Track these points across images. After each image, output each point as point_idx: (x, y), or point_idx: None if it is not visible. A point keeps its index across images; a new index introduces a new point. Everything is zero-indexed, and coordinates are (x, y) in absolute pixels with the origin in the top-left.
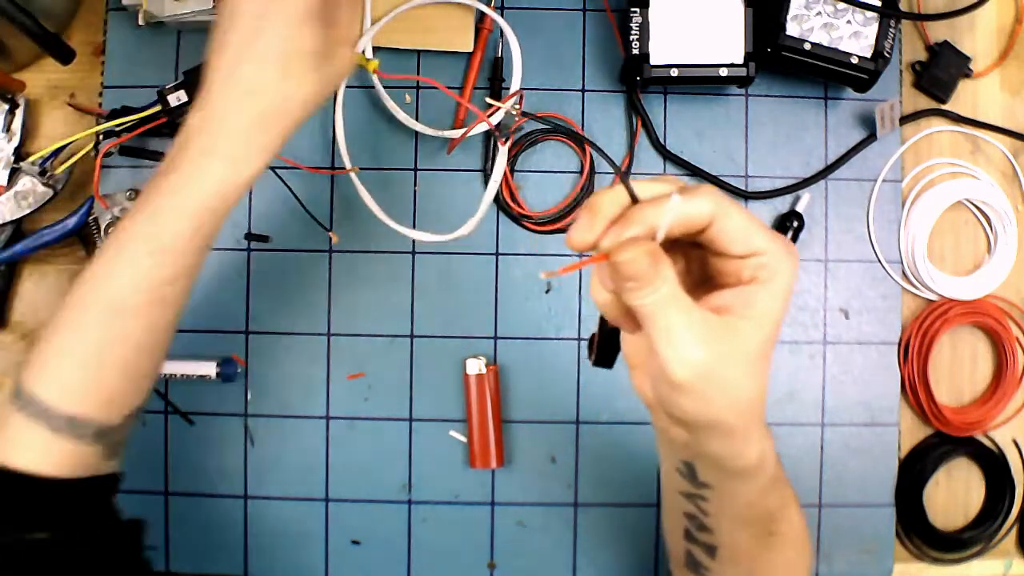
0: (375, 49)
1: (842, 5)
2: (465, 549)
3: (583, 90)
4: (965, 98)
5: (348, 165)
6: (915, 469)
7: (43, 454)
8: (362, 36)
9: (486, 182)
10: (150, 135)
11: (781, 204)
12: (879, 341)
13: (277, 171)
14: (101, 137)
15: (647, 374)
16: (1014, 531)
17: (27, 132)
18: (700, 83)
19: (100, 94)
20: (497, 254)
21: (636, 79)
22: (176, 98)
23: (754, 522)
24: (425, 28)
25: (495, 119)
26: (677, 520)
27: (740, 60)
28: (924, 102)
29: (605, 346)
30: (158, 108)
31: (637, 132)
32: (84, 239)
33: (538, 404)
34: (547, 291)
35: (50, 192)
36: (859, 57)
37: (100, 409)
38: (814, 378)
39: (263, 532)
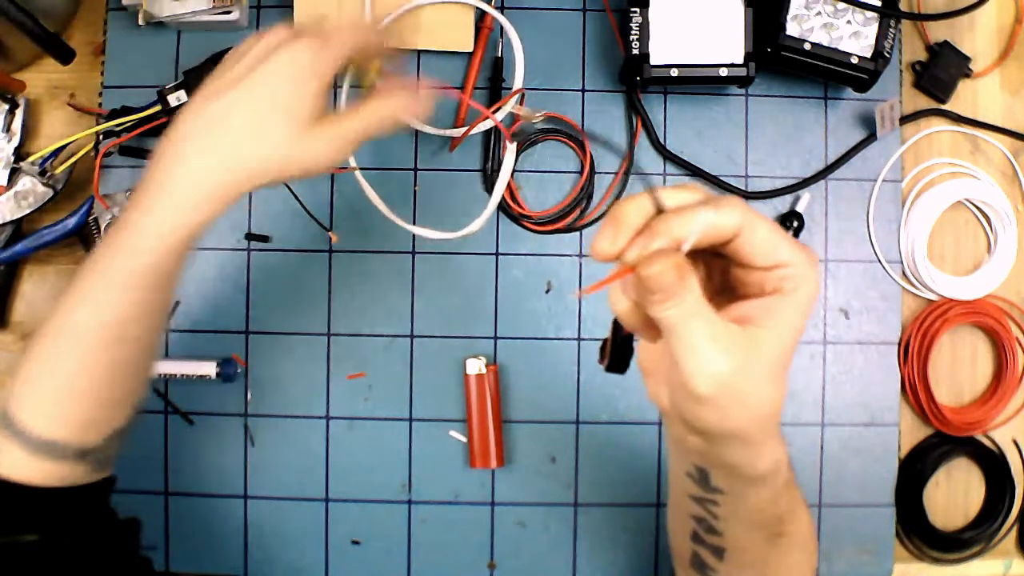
0: None
1: (842, 5)
2: (465, 549)
3: (583, 90)
4: (965, 98)
5: (351, 163)
6: (915, 469)
7: (27, 470)
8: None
9: (486, 182)
10: (150, 135)
11: (781, 204)
12: (879, 341)
13: None
14: (101, 137)
15: (663, 382)
16: (1014, 531)
17: (27, 132)
18: (700, 83)
19: (100, 94)
20: (497, 254)
21: (636, 79)
22: (176, 98)
23: (764, 525)
24: (425, 28)
25: (500, 115)
26: (684, 522)
27: (740, 60)
28: (924, 102)
29: (619, 352)
30: (158, 108)
31: (637, 132)
32: (84, 239)
33: (538, 404)
34: (547, 291)
35: (50, 192)
36: (859, 57)
37: (77, 433)
38: (814, 378)
39: (263, 532)
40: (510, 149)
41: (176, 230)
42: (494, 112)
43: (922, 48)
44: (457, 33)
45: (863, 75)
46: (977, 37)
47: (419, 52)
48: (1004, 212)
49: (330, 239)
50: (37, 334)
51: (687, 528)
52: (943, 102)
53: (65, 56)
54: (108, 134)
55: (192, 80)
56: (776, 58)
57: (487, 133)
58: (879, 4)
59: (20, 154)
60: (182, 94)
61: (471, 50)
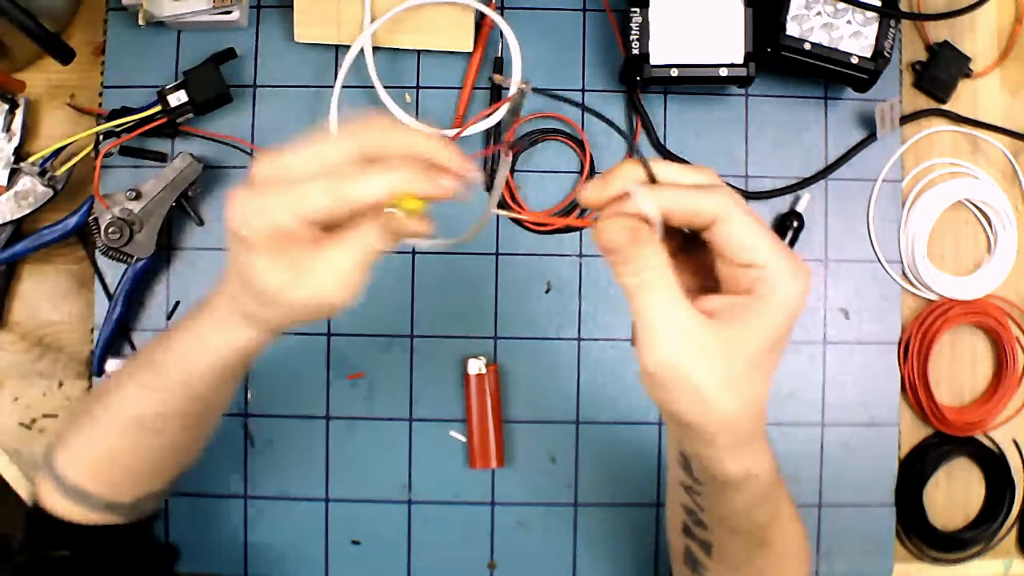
0: (375, 49)
1: (842, 5)
2: (465, 549)
3: (583, 90)
4: (965, 98)
5: None
6: (915, 469)
7: (61, 509)
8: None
9: (487, 182)
10: (150, 135)
11: (781, 204)
12: (879, 341)
13: None
14: (101, 137)
15: None
16: (1014, 531)
17: (27, 132)
18: (700, 83)
19: (100, 94)
20: (497, 254)
21: (636, 79)
22: (176, 98)
23: (744, 531)
24: (425, 28)
25: (498, 116)
26: (677, 513)
27: (740, 60)
28: (924, 102)
29: None
30: (158, 108)
31: (637, 132)
32: (84, 239)
33: (538, 404)
34: (547, 291)
35: (50, 192)
36: (859, 57)
37: (108, 491)
38: (814, 378)
39: (263, 532)
40: (504, 162)
41: (216, 353)
42: (491, 114)
43: (922, 48)
44: (457, 33)
45: (863, 75)
46: (977, 37)
47: (419, 52)
48: (1004, 212)
49: None
50: (100, 385)
51: (679, 520)
52: (943, 102)
53: (65, 56)
54: (108, 134)
55: (192, 80)
56: (776, 58)
57: (487, 133)
58: (879, 4)
59: (20, 154)
60: (182, 94)
61: (471, 50)
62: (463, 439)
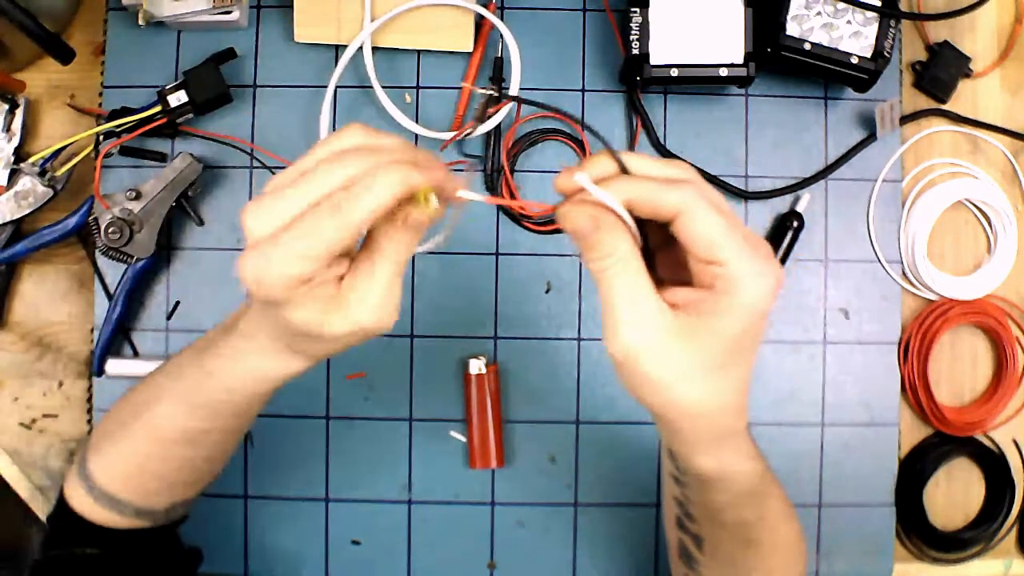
0: (375, 49)
1: (842, 5)
2: (465, 549)
3: (583, 90)
4: (965, 98)
5: None
6: (915, 469)
7: (91, 513)
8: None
9: (487, 182)
10: (150, 135)
11: (781, 204)
12: (879, 341)
13: (275, 171)
14: (101, 137)
15: None
16: (1014, 531)
17: (27, 132)
18: (700, 83)
19: (100, 94)
20: (497, 254)
21: (636, 79)
22: (176, 98)
23: (728, 527)
24: (425, 28)
25: (496, 120)
26: (671, 505)
27: (740, 60)
28: (924, 102)
29: None
30: (158, 108)
31: (637, 132)
32: (84, 239)
33: (538, 404)
34: (547, 291)
35: (50, 192)
36: (859, 57)
37: (139, 498)
38: (814, 378)
39: (263, 532)
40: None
41: (260, 382)
42: (490, 117)
43: (922, 48)
44: (457, 33)
45: (863, 75)
46: (977, 37)
47: (419, 52)
48: (1004, 212)
49: None
50: (131, 392)
51: (673, 513)
52: (943, 102)
53: (65, 56)
54: (108, 134)
55: (192, 80)
56: (776, 58)
57: (487, 134)
58: (879, 4)
59: (20, 154)
60: (182, 94)
61: (471, 50)
62: (463, 439)
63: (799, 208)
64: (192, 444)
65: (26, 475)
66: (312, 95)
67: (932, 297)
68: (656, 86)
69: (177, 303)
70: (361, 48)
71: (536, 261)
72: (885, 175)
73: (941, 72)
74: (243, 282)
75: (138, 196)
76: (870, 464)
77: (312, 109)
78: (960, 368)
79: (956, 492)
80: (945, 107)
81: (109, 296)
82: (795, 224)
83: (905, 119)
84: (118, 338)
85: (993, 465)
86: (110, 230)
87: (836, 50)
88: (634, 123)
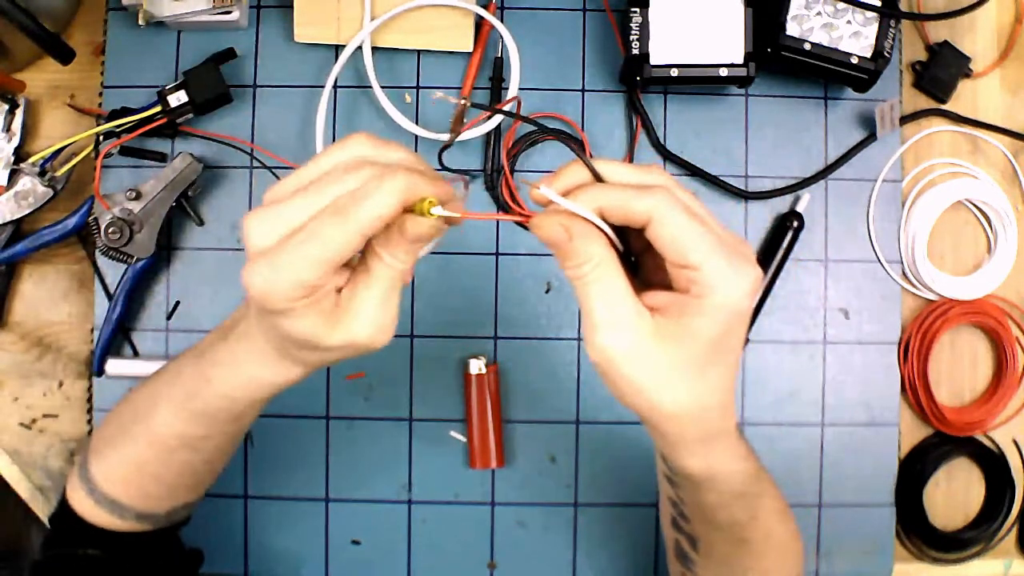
0: (375, 49)
1: (842, 5)
2: (465, 549)
3: (583, 90)
4: (965, 98)
5: None
6: (915, 469)
7: (92, 515)
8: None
9: (487, 182)
10: (150, 135)
11: (781, 204)
12: (879, 341)
13: (275, 171)
14: (101, 137)
15: None
16: (1014, 531)
17: (27, 132)
18: (700, 83)
19: (100, 94)
20: (497, 254)
21: (636, 79)
22: (176, 98)
23: (723, 526)
24: (425, 28)
25: (495, 121)
26: (666, 505)
27: (740, 60)
28: (924, 102)
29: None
30: (158, 108)
31: (637, 132)
32: (84, 239)
33: (538, 404)
34: (547, 291)
35: (50, 192)
36: (859, 57)
37: (139, 502)
38: (814, 378)
39: (263, 532)
40: (463, 192)
41: (258, 389)
42: (489, 117)
43: (922, 48)
44: (457, 33)
45: (863, 75)
46: (977, 37)
47: (419, 52)
48: (1004, 212)
49: None
50: (131, 395)
51: (668, 513)
52: (943, 102)
53: (65, 56)
54: (108, 135)
55: (192, 80)
56: (776, 58)
57: (487, 135)
58: (879, 4)
59: (20, 154)
60: (182, 94)
61: (470, 50)
62: (463, 439)
63: (799, 208)
64: (191, 449)
65: (26, 475)
66: (312, 95)
67: (932, 297)
68: (656, 86)
69: (177, 303)
70: (361, 48)
71: (536, 261)
72: (885, 175)
73: (941, 72)
74: (249, 293)
75: (138, 196)
76: (870, 464)
77: (312, 109)
78: (960, 368)
79: (956, 492)
80: (945, 107)
81: (109, 296)
82: (795, 224)
83: (905, 119)
84: (118, 338)
85: (993, 465)
86: (110, 230)
87: (836, 50)
88: (634, 123)
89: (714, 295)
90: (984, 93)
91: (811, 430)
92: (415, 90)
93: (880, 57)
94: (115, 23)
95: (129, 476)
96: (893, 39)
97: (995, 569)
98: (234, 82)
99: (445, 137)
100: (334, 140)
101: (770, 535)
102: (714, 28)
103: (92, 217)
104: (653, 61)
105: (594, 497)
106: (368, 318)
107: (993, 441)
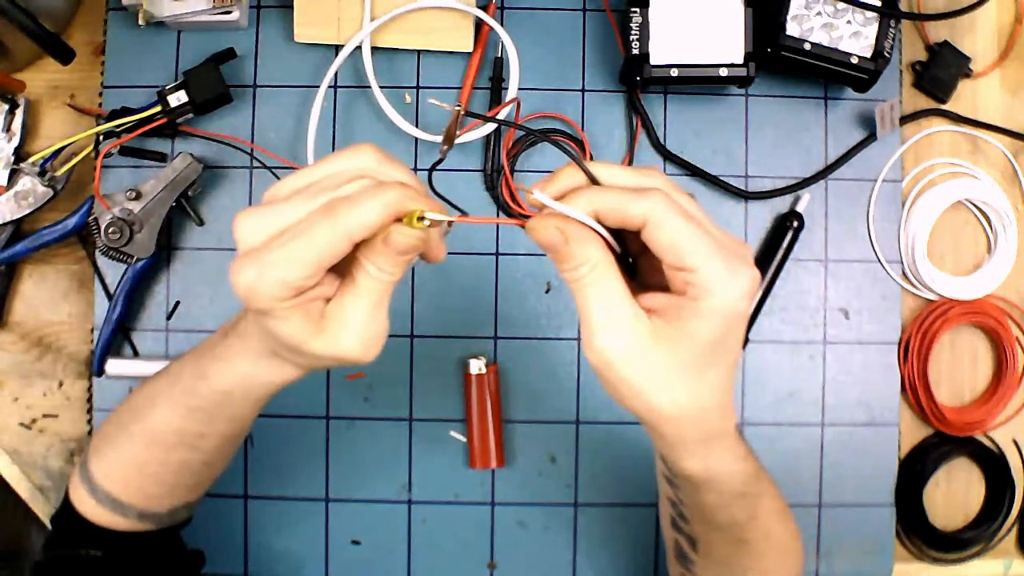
0: (375, 49)
1: (842, 5)
2: (465, 549)
3: (583, 90)
4: (965, 98)
5: None
6: (915, 469)
7: (94, 514)
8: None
9: (487, 182)
10: (150, 135)
11: (781, 204)
12: (879, 341)
13: (275, 171)
14: (101, 137)
15: None
16: (1014, 531)
17: (27, 132)
18: (700, 83)
19: (100, 94)
20: (497, 254)
21: (636, 79)
22: (176, 98)
23: (723, 527)
24: (425, 28)
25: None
26: (666, 506)
27: (740, 60)
28: (924, 102)
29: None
30: (158, 108)
31: (637, 132)
32: (84, 239)
33: (538, 404)
34: (547, 291)
35: (50, 192)
36: (859, 57)
37: (140, 501)
38: (814, 378)
39: (263, 532)
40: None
41: (252, 387)
42: (486, 121)
43: (922, 48)
44: (457, 33)
45: (863, 75)
46: (977, 37)
47: (419, 52)
48: (1004, 212)
49: None
50: (132, 394)
51: (667, 514)
52: (943, 102)
53: (65, 56)
54: (108, 134)
55: (192, 80)
56: (776, 58)
57: (487, 136)
58: (879, 4)
59: (20, 154)
60: (182, 94)
61: (471, 50)
62: (463, 439)
63: (799, 208)
64: (189, 448)
65: (26, 475)
66: (312, 95)
67: (932, 297)
68: (656, 86)
69: (177, 303)
70: (360, 48)
71: (536, 261)
72: (885, 175)
73: (941, 72)
74: (235, 290)
75: (138, 196)
76: (870, 464)
77: (312, 109)
78: (960, 368)
79: (956, 492)
80: (945, 107)
81: (109, 296)
82: (795, 224)
83: (905, 119)
84: (118, 338)
85: (993, 465)
86: (110, 230)
87: (836, 50)
88: (634, 123)
89: (711, 297)
90: (984, 93)
91: (811, 430)
92: (415, 90)
93: (880, 57)
94: (115, 23)
95: (129, 475)
96: (893, 39)
97: (995, 569)
98: (234, 82)
99: (439, 138)
100: (333, 140)
101: (770, 535)
102: (714, 28)
103: (92, 217)
104: (653, 61)
105: (594, 497)
106: (353, 331)
107: (993, 441)
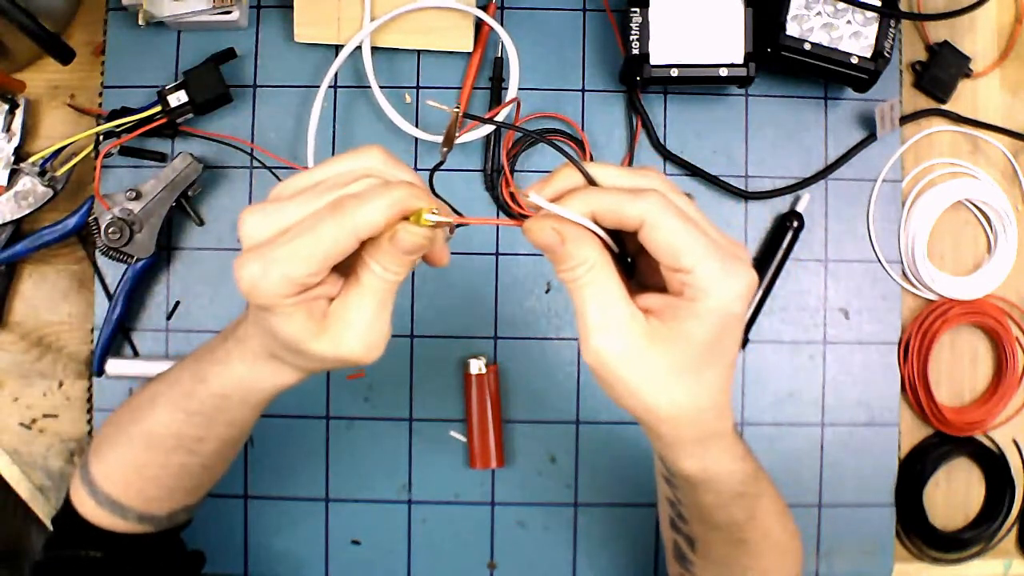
0: (375, 49)
1: (842, 5)
2: (465, 549)
3: (583, 90)
4: (965, 98)
5: None
6: (915, 469)
7: (94, 516)
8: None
9: (487, 182)
10: (150, 135)
11: (781, 204)
12: (879, 341)
13: (275, 171)
14: (101, 137)
15: None
16: (1014, 531)
17: (27, 132)
18: (700, 83)
19: (100, 94)
20: (497, 254)
21: (636, 79)
22: (176, 98)
23: (721, 527)
24: (425, 28)
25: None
26: (664, 506)
27: (740, 60)
28: (924, 102)
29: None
30: (158, 108)
31: (637, 132)
32: (84, 239)
33: (538, 404)
34: (547, 291)
35: (50, 192)
36: (859, 57)
37: (140, 504)
38: (814, 378)
39: (263, 532)
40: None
41: (249, 391)
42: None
43: (922, 48)
44: (457, 33)
45: (863, 75)
46: (977, 37)
47: (419, 52)
48: (1004, 212)
49: None
50: (133, 400)
51: (666, 514)
52: (943, 102)
53: (65, 56)
54: (108, 134)
55: (192, 80)
56: (776, 58)
57: (487, 136)
58: (879, 4)
59: (20, 154)
60: (182, 94)
61: (471, 50)
62: (463, 439)
63: (799, 208)
64: (188, 452)
65: (26, 475)
66: (312, 95)
67: (932, 297)
68: (656, 86)
69: (177, 303)
70: (360, 48)
71: (536, 261)
72: (885, 175)
73: (941, 72)
74: (239, 286)
75: (138, 196)
76: (870, 464)
77: (311, 109)
78: (960, 368)
79: (956, 492)
80: (945, 107)
81: (109, 296)
82: (795, 224)
83: (905, 119)
84: (118, 338)
85: (993, 465)
86: (110, 230)
87: (836, 50)
88: (634, 123)
89: (707, 299)
90: (984, 93)
91: (811, 430)
92: (415, 90)
93: (880, 57)
94: (115, 23)
95: (129, 477)
96: (893, 39)
97: (995, 569)
98: (234, 82)
99: (438, 138)
100: (333, 140)
101: (768, 535)
102: (714, 28)
103: (92, 217)
104: (653, 61)
105: (594, 497)
106: (356, 331)
107: (993, 441)
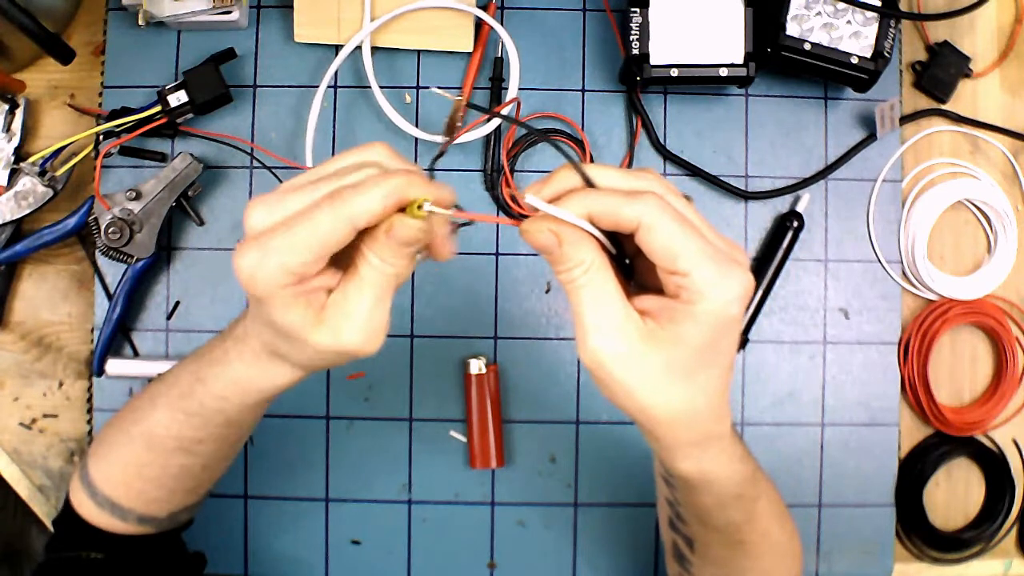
0: (375, 49)
1: (842, 5)
2: (465, 549)
3: (583, 90)
4: (965, 98)
5: None
6: (915, 469)
7: (94, 518)
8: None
9: (487, 182)
10: (150, 135)
11: (781, 204)
12: (879, 341)
13: (275, 171)
14: (101, 137)
15: None
16: (1014, 531)
17: (27, 132)
18: (700, 83)
19: (100, 94)
20: (497, 254)
21: (636, 79)
22: (176, 98)
23: (720, 528)
24: (425, 28)
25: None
26: (663, 507)
27: (740, 60)
28: (924, 102)
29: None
30: (158, 108)
31: (637, 132)
32: (84, 239)
33: (538, 404)
34: (547, 291)
35: (50, 192)
36: (859, 57)
37: (140, 505)
38: (814, 378)
39: (263, 532)
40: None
41: (247, 391)
42: (487, 120)
43: (922, 48)
44: (457, 33)
45: (863, 75)
46: (977, 37)
47: (419, 52)
48: (1004, 212)
49: None
50: (133, 401)
51: (665, 514)
52: (943, 102)
53: (65, 56)
54: (108, 134)
55: (192, 80)
56: (776, 58)
57: (487, 135)
58: (879, 4)
59: (20, 154)
60: (182, 94)
61: (471, 50)
62: (463, 439)
63: (799, 208)
64: (187, 453)
65: (26, 475)
66: (312, 95)
67: (932, 297)
68: (656, 86)
69: (177, 303)
70: (360, 48)
71: (536, 261)
72: (885, 175)
73: (941, 72)
74: (237, 275)
75: (138, 196)
76: (870, 464)
77: (312, 109)
78: (960, 368)
79: (956, 492)
80: (945, 107)
81: (109, 296)
82: (795, 224)
83: (905, 119)
84: (118, 338)
85: (993, 465)
86: (110, 230)
87: (836, 50)
88: (634, 123)
89: (703, 301)
90: (984, 93)
91: (811, 430)
92: (415, 90)
93: (880, 57)
94: (115, 23)
95: (128, 478)
96: (893, 39)
97: (995, 569)
98: (234, 82)
99: (438, 138)
100: (333, 140)
101: (767, 536)
102: (714, 28)
103: (92, 217)
104: (653, 61)
105: (594, 497)
106: (355, 321)
107: (993, 441)
